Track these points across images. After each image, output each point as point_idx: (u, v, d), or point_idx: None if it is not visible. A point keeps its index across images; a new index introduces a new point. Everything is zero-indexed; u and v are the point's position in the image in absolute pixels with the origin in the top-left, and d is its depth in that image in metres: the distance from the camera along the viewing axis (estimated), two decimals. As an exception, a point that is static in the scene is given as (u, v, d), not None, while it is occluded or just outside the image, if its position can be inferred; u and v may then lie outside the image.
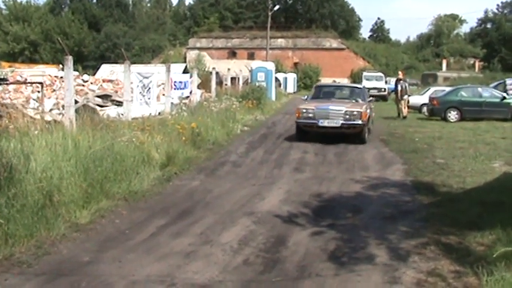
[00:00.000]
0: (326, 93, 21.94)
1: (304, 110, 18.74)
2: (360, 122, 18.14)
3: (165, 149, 12.90)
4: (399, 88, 29.27)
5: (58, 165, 8.64)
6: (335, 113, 18.25)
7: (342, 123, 18.12)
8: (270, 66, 42.53)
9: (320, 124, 18.32)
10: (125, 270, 6.38)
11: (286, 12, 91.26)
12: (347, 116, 18.11)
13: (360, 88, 22.65)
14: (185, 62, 62.73)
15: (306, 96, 22.38)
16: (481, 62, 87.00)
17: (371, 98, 21.80)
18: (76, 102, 15.86)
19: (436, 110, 28.98)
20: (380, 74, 55.36)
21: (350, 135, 18.47)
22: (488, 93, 29.38)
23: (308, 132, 19.13)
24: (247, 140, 18.97)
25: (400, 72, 31.96)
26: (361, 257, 6.95)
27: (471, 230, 7.83)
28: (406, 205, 9.87)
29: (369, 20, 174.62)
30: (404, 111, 29.15)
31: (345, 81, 75.28)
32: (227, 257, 6.89)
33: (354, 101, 20.24)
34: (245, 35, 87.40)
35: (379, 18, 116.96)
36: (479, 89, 30.49)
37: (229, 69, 42.20)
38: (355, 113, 18.17)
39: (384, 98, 49.32)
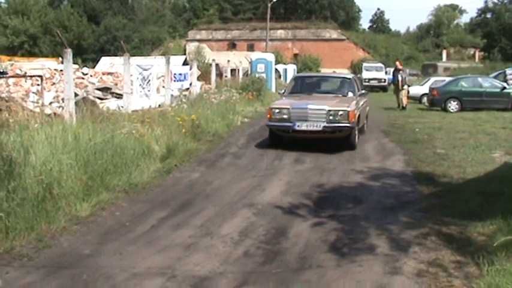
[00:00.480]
0: (307, 86, 18.09)
1: (277, 110, 15.17)
2: (347, 123, 14.60)
3: (165, 141, 12.90)
4: (399, 78, 29.17)
5: (58, 158, 8.64)
6: (315, 113, 14.75)
7: (325, 126, 14.61)
8: (270, 57, 42.41)
9: (297, 128, 14.78)
10: (125, 262, 6.39)
11: (285, 3, 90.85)
12: (331, 117, 14.61)
13: (348, 79, 18.20)
14: (185, 54, 62.67)
15: (282, 90, 18.89)
16: (481, 52, 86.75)
17: (363, 91, 18.02)
18: (76, 95, 15.85)
19: (436, 101, 28.93)
20: (380, 64, 55.26)
21: (335, 140, 15.19)
22: (489, 83, 29.31)
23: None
24: (248, 132, 18.93)
25: (397, 63, 31.85)
26: (362, 247, 6.96)
27: (472, 220, 7.83)
28: (406, 195, 9.87)
29: (369, 10, 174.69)
30: (404, 101, 29.07)
31: (345, 72, 75.27)
32: (228, 249, 6.89)
33: (341, 95, 16.73)
34: (245, 26, 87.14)
35: (378, 9, 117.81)
36: (480, 79, 30.42)
37: (229, 60, 42.14)
38: (341, 112, 14.65)
39: (384, 89, 49.34)
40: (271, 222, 8.06)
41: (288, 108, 15.01)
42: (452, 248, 6.80)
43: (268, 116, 15.38)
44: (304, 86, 18.07)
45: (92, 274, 6.02)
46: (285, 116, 14.96)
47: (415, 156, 13.80)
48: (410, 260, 6.49)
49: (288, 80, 59.24)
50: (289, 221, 8.17)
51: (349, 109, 14.75)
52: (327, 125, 14.61)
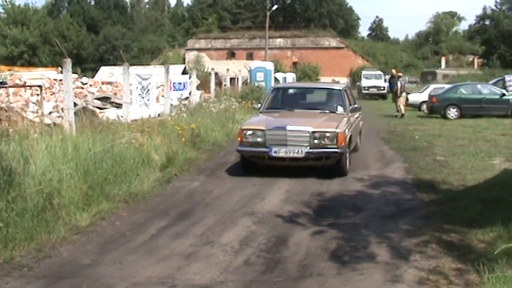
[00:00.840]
0: (288, 100, 15.25)
1: (250, 132, 12.56)
2: (335, 148, 12.04)
3: (164, 150, 12.89)
4: (399, 85, 29.18)
5: (58, 168, 8.64)
6: (296, 136, 12.16)
7: (308, 153, 12.05)
8: (269, 66, 42.56)
9: (273, 154, 12.15)
10: (125, 272, 6.38)
11: (284, 12, 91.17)
12: (315, 140, 12.11)
13: (338, 90, 15.11)
14: (184, 63, 62.74)
15: (259, 105, 15.72)
16: (480, 59, 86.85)
17: (356, 106, 15.02)
18: (75, 104, 15.86)
19: (436, 108, 28.95)
20: (379, 72, 55.31)
21: (322, 168, 12.59)
22: (488, 90, 29.36)
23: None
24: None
25: (393, 70, 31.92)
26: (362, 255, 6.95)
27: (472, 227, 7.82)
28: (406, 203, 9.86)
29: (368, 18, 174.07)
30: (403, 108, 29.08)
31: (344, 80, 75.33)
32: (228, 258, 6.88)
33: (328, 111, 13.94)
34: (244, 35, 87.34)
35: (377, 17, 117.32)
36: (479, 86, 30.48)
37: (228, 69, 42.18)
38: (328, 134, 12.12)
39: (383, 97, 49.32)
40: (272, 231, 8.05)
41: (263, 130, 12.43)
42: (452, 256, 6.79)
43: (239, 139, 12.74)
44: (285, 99, 15.27)
45: (91, 284, 6.01)
46: (259, 139, 12.40)
47: (415, 163, 13.80)
48: (411, 267, 6.48)
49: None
50: (290, 229, 8.16)
51: (338, 130, 12.19)
52: (311, 150, 12.11)
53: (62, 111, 14.03)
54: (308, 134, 12.15)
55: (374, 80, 52.14)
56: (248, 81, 40.53)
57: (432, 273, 6.26)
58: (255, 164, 12.91)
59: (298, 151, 12.08)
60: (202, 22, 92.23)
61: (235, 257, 6.90)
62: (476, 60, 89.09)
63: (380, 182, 11.66)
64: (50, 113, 18.28)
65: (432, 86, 36.25)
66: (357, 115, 15.21)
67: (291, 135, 12.19)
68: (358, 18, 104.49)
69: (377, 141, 18.63)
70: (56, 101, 20.03)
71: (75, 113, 12.89)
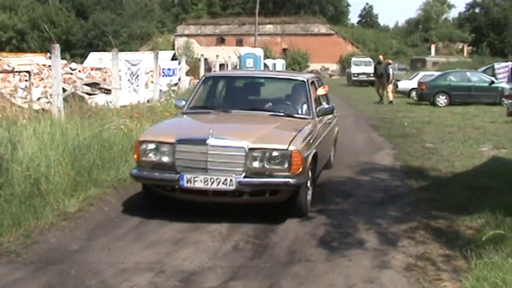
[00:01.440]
0: (226, 94, 10.60)
1: (152, 146, 7.93)
2: (286, 177, 7.57)
3: (154, 136, 12.85)
4: (391, 72, 29.19)
5: (46, 153, 8.61)
6: (224, 155, 7.60)
7: (241, 183, 7.49)
8: (259, 52, 42.57)
9: (186, 185, 7.56)
10: (114, 258, 6.36)
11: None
12: (255, 163, 7.57)
13: (301, 82, 10.06)
14: (173, 49, 62.51)
15: (183, 101, 10.22)
16: (469, 47, 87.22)
17: (327, 106, 10.07)
18: (64, 90, 15.83)
19: (425, 95, 29.00)
20: (369, 59, 55.31)
21: (265, 205, 8.17)
22: (477, 78, 29.48)
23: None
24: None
25: (381, 56, 31.92)
26: (350, 242, 6.96)
27: (460, 213, 7.85)
28: (395, 190, 9.89)
29: (358, 5, 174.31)
30: (391, 95, 29.13)
31: (334, 67, 75.40)
32: (216, 244, 6.88)
33: (283, 114, 9.30)
34: (233, 21, 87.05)
35: (367, 4, 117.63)
36: (468, 74, 30.61)
37: (217, 55, 42.16)
38: (275, 153, 7.62)
39: (373, 83, 49.32)
40: (260, 217, 8.03)
41: (171, 144, 7.71)
42: (440, 242, 6.82)
43: (136, 156, 8.18)
44: (221, 95, 10.60)
45: (80, 270, 5.99)
46: (165, 159, 7.77)
47: (404, 150, 13.84)
48: (399, 253, 6.50)
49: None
50: (278, 215, 8.15)
51: (292, 147, 7.58)
52: (247, 180, 7.48)
53: (51, 97, 13.95)
54: (243, 153, 7.45)
55: (364, 67, 52.19)
56: (238, 67, 40.47)
57: (420, 259, 6.28)
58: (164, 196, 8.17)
59: (226, 181, 7.39)
60: (192, 8, 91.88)
61: (223, 243, 6.90)
62: (465, 48, 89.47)
63: (369, 169, 11.67)
64: (39, 98, 18.21)
65: (422, 73, 36.32)
66: (329, 119, 10.65)
67: (214, 154, 7.47)
68: (348, 5, 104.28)
69: (366, 128, 18.67)
70: (44, 87, 19.94)
71: (64, 99, 12.86)
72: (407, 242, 6.90)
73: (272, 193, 7.64)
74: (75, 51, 72.24)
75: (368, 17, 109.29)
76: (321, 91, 10.81)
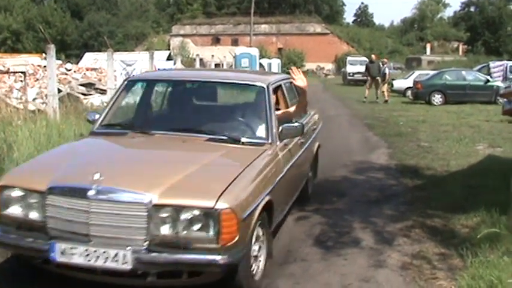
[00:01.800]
0: (154, 106, 8.11)
1: (19, 194, 4.92)
2: (211, 253, 4.53)
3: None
4: (387, 71, 29.25)
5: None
6: (114, 215, 4.58)
7: (140, 260, 4.52)
8: (254, 52, 42.46)
9: (58, 259, 4.61)
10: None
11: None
12: (162, 231, 4.56)
13: (259, 89, 6.63)
14: (169, 49, 62.53)
15: (96, 115, 6.97)
16: (464, 46, 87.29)
17: (301, 122, 6.53)
18: (59, 91, 15.76)
19: (420, 94, 29.00)
20: (364, 58, 55.11)
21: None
22: (472, 77, 29.51)
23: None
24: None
25: (373, 56, 31.93)
26: (346, 241, 6.97)
27: (455, 212, 7.86)
28: (390, 189, 9.89)
29: (353, 4, 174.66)
30: (386, 94, 29.16)
31: (329, 66, 75.42)
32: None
33: (226, 138, 6.00)
34: (229, 21, 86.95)
35: (362, 3, 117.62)
36: (463, 72, 30.62)
37: (213, 55, 42.22)
38: (194, 213, 4.54)
39: (368, 83, 49.48)
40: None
41: (41, 192, 4.80)
42: (436, 240, 6.84)
43: None
44: (145, 107, 7.64)
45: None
46: (33, 216, 4.87)
47: (399, 149, 13.83)
48: (395, 252, 6.51)
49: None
50: (274, 215, 8.15)
51: (222, 205, 4.55)
52: (149, 256, 4.58)
53: (46, 98, 13.95)
54: (144, 212, 4.58)
55: (359, 66, 52.05)
56: (233, 67, 40.45)
57: (416, 258, 6.30)
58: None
59: (117, 256, 4.56)
60: (187, 8, 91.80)
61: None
62: (461, 47, 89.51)
63: (364, 168, 11.67)
64: (34, 99, 18.17)
65: (417, 72, 36.27)
66: (302, 136, 7.09)
67: (100, 213, 4.63)
68: (344, 4, 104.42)
69: (361, 127, 18.66)
70: (40, 87, 19.90)
71: (59, 99, 12.84)
72: (403, 241, 6.91)
73: (191, 275, 4.76)
74: (71, 51, 72.14)
75: (363, 16, 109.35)
76: (291, 100, 7.71)
